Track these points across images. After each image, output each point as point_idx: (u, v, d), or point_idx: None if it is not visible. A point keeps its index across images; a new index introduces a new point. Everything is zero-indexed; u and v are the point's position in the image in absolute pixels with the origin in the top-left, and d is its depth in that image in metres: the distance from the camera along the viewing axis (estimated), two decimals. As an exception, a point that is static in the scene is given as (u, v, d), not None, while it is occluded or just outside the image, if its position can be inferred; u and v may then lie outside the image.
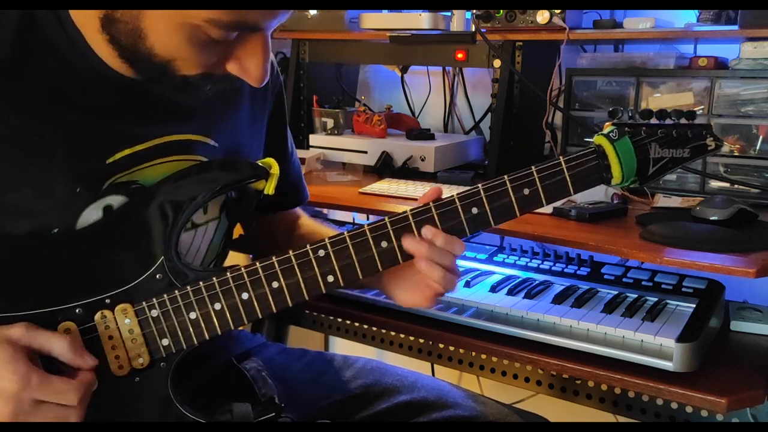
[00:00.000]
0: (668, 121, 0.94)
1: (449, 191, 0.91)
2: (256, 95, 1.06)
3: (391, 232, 0.89)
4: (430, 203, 0.90)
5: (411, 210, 0.90)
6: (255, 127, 1.07)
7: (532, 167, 0.90)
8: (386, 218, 0.90)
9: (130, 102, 0.87)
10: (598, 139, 0.91)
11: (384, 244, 0.89)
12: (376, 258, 0.90)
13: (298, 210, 1.24)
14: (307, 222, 1.23)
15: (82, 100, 0.86)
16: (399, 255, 0.90)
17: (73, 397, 0.79)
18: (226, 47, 0.81)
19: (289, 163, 1.18)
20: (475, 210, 0.90)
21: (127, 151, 0.88)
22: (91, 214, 0.86)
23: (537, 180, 0.89)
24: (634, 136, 0.91)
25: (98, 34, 0.82)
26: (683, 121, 0.94)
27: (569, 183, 0.90)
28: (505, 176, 0.90)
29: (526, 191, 0.89)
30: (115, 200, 0.87)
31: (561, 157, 0.90)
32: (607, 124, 0.92)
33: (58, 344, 0.81)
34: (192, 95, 0.86)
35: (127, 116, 0.88)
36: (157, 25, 0.78)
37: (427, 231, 0.89)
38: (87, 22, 0.83)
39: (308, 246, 0.89)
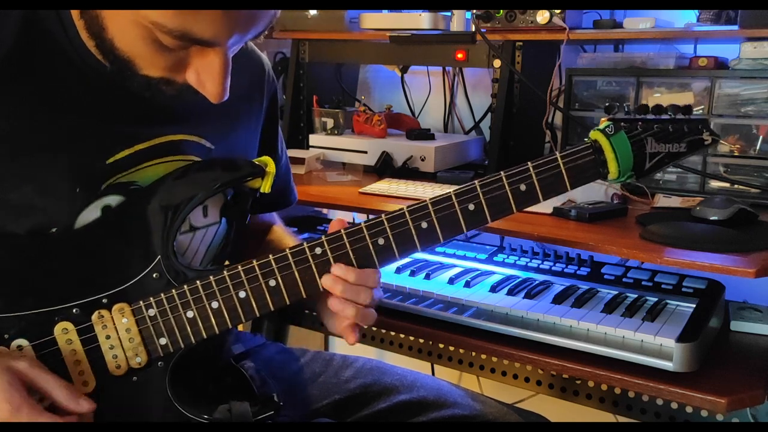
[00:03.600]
0: (664, 116, 0.94)
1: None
2: (252, 98, 1.06)
3: (387, 228, 0.89)
4: (427, 200, 0.90)
5: (408, 207, 0.90)
6: (249, 129, 1.07)
7: (528, 163, 0.90)
8: (383, 215, 0.90)
9: (127, 100, 0.87)
10: (594, 134, 0.92)
11: (381, 241, 0.89)
12: (373, 254, 0.90)
13: (275, 217, 1.23)
14: (278, 230, 1.20)
15: (82, 96, 0.86)
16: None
17: None
18: (184, 56, 0.80)
19: (278, 165, 1.17)
20: (471, 206, 0.90)
21: (127, 151, 0.88)
22: (90, 213, 0.86)
23: (533, 175, 0.89)
24: (630, 131, 0.92)
25: (79, 20, 0.83)
26: (680, 115, 0.95)
27: (566, 178, 0.90)
28: (502, 172, 0.90)
29: (523, 186, 0.89)
30: (114, 200, 0.87)
31: (557, 152, 0.90)
32: (603, 119, 0.93)
33: (57, 391, 0.81)
34: (166, 96, 0.85)
35: (126, 115, 0.88)
36: (114, 19, 0.78)
37: (338, 269, 0.89)
38: (75, 11, 0.83)
39: (305, 243, 0.89)
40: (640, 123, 0.92)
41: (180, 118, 0.93)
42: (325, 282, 0.89)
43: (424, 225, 0.89)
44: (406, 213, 0.89)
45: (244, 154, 1.05)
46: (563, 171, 0.89)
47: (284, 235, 1.19)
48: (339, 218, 0.93)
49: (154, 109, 0.89)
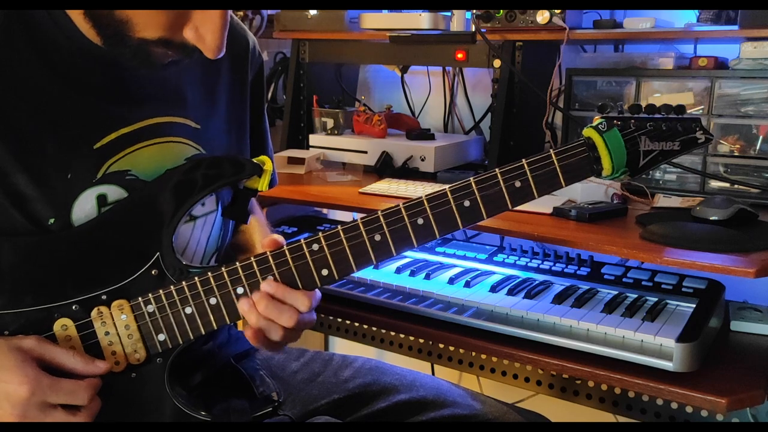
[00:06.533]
0: (657, 116, 0.95)
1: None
2: (236, 73, 1.06)
3: (384, 224, 0.90)
4: (423, 196, 0.90)
5: (404, 203, 0.90)
6: (236, 109, 1.06)
7: (523, 160, 0.91)
8: (379, 212, 0.90)
9: (111, 83, 0.87)
10: (587, 132, 0.93)
11: (377, 237, 0.89)
12: (370, 250, 0.90)
13: (255, 206, 1.20)
14: (253, 221, 1.16)
15: (65, 80, 0.86)
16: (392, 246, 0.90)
17: (84, 396, 0.81)
18: (183, 11, 0.79)
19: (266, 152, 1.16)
20: (467, 203, 0.90)
21: (113, 135, 0.89)
22: (85, 202, 0.86)
23: (528, 172, 0.90)
24: (624, 128, 0.92)
25: None
26: (672, 115, 0.95)
27: (560, 174, 0.90)
28: (497, 169, 0.90)
29: (518, 183, 0.90)
30: (109, 190, 0.88)
31: (551, 150, 0.91)
32: (596, 117, 0.94)
33: (69, 358, 0.83)
34: (157, 67, 0.85)
35: (110, 99, 0.89)
36: None
37: (267, 285, 0.88)
38: None
39: (302, 240, 0.89)
40: (633, 121, 0.93)
41: (163, 100, 0.93)
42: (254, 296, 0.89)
43: (420, 221, 0.90)
44: (402, 209, 0.90)
45: (228, 132, 1.05)
46: (557, 167, 0.90)
47: (252, 228, 1.15)
48: (273, 237, 0.92)
49: (136, 92, 0.89)
